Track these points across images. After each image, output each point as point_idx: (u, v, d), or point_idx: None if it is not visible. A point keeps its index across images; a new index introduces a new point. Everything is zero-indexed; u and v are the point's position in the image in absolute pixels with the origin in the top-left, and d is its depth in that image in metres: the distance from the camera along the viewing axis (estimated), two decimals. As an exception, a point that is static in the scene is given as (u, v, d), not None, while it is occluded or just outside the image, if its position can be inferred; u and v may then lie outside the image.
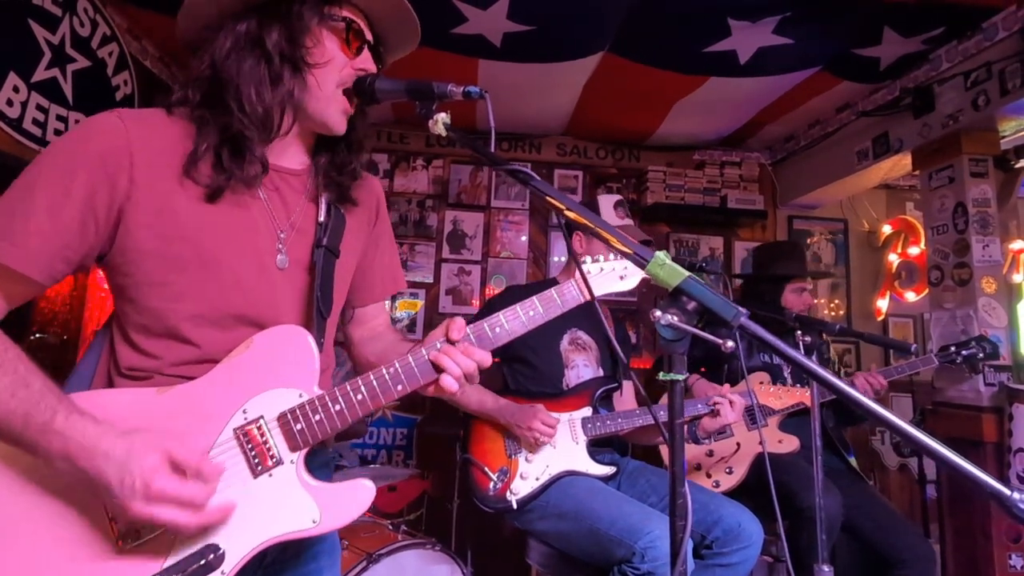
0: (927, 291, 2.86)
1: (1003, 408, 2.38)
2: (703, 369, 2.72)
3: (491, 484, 1.93)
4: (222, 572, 0.88)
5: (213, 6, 1.00)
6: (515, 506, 1.89)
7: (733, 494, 2.10)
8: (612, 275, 1.28)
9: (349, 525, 2.12)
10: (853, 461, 2.50)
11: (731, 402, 1.99)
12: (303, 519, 0.93)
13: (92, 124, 0.92)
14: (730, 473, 2.39)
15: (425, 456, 3.50)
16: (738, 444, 2.41)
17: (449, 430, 2.21)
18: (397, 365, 1.00)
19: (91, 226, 0.90)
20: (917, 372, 2.41)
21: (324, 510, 0.94)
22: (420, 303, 3.70)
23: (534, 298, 1.11)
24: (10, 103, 1.97)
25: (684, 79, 2.92)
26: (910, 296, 3.85)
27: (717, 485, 2.39)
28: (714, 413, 1.99)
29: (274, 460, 0.95)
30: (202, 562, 0.87)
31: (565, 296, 1.13)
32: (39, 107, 2.09)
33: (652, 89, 3.04)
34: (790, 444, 2.34)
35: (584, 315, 2.26)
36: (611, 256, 1.28)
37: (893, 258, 3.96)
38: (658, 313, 0.75)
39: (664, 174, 3.74)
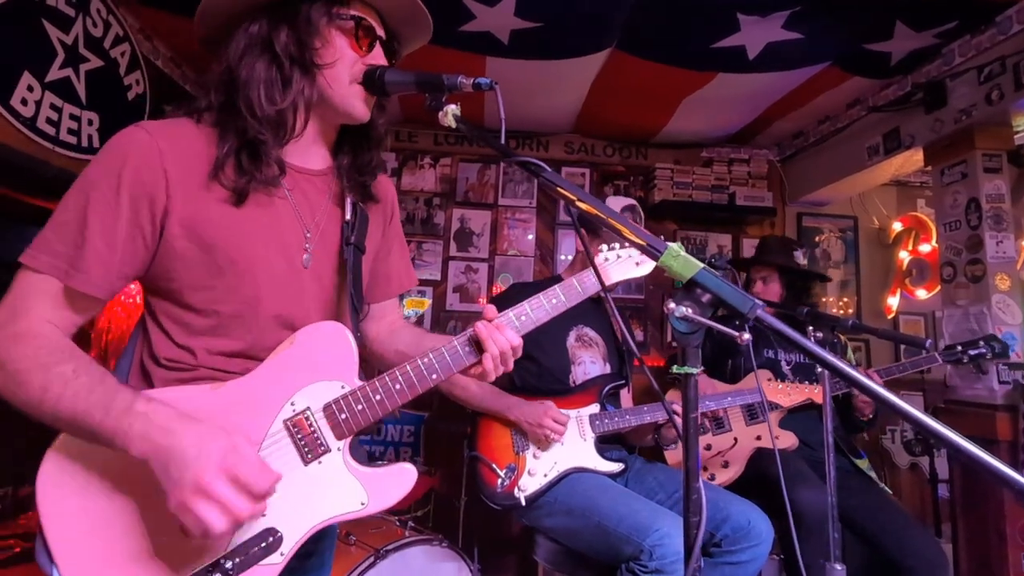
0: (939, 288, 2.83)
1: (1017, 406, 2.36)
2: (703, 371, 2.72)
3: (499, 481, 1.93)
4: (280, 553, 0.95)
5: (225, 7, 1.02)
6: (523, 503, 1.90)
7: (729, 489, 2.09)
8: (628, 262, 1.38)
9: (356, 520, 2.14)
10: (864, 463, 2.46)
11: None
12: (352, 502, 1.01)
13: (124, 143, 0.95)
14: (726, 467, 2.38)
15: (433, 453, 3.50)
16: (735, 439, 2.40)
17: (456, 427, 2.22)
18: (432, 355, 1.07)
19: (139, 241, 0.95)
20: (920, 370, 2.38)
21: (371, 493, 1.02)
22: (427, 301, 3.71)
23: (556, 287, 1.19)
24: (24, 102, 1.99)
25: (692, 75, 2.90)
26: (921, 293, 3.82)
27: (712, 479, 2.38)
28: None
29: (323, 448, 1.01)
30: (263, 544, 0.95)
31: (585, 283, 1.22)
32: (53, 106, 2.11)
33: (660, 86, 3.03)
34: (786, 440, 2.33)
35: (590, 311, 2.26)
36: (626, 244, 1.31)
37: (904, 255, 3.93)
38: (672, 305, 0.74)
39: (672, 171, 3.72)
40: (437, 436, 3.50)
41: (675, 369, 0.76)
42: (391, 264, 1.32)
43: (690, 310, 0.74)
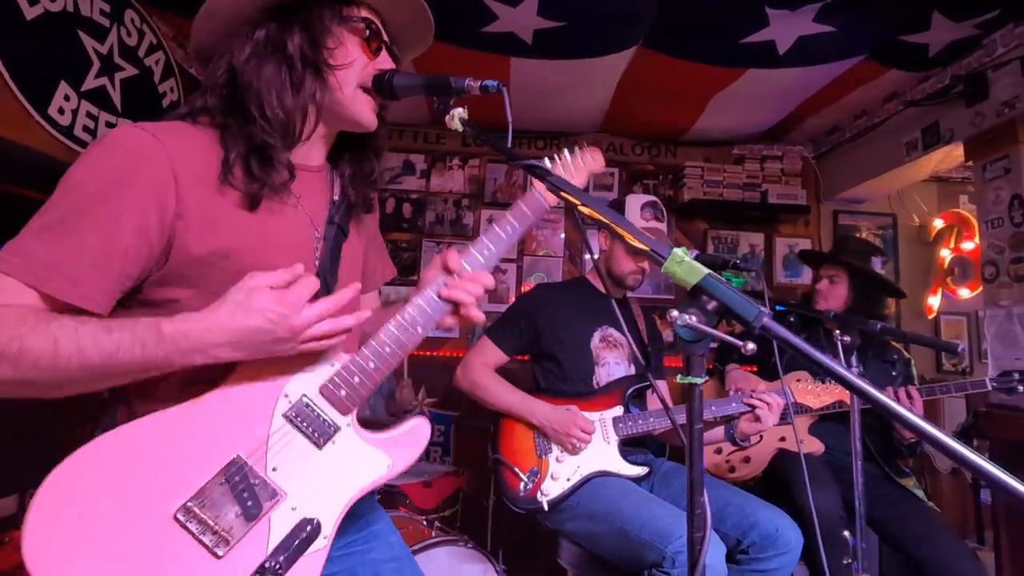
0: (981, 288, 2.71)
1: (1065, 412, 2.24)
2: (756, 368, 2.63)
3: (521, 484, 1.92)
4: (324, 537, 0.96)
5: (231, 10, 1.00)
6: (546, 507, 1.88)
7: (747, 489, 2.03)
8: (565, 175, 1.28)
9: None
10: (911, 482, 2.31)
11: (768, 404, 1.91)
12: (378, 468, 1.03)
13: (126, 144, 0.88)
14: (747, 463, 2.31)
15: (462, 452, 3.52)
16: (760, 436, 2.34)
17: (485, 427, 2.22)
18: (409, 309, 1.04)
19: (144, 250, 0.89)
20: (966, 392, 2.16)
21: (393, 455, 1.04)
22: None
23: (507, 214, 1.15)
24: (61, 111, 2.06)
25: (721, 72, 2.84)
26: (963, 293, 3.67)
27: (732, 471, 2.31)
28: (755, 417, 1.92)
29: (332, 429, 1.00)
30: (303, 536, 0.93)
31: (530, 203, 1.16)
32: (89, 115, 2.18)
33: (688, 83, 2.98)
34: (812, 445, 2.25)
35: (615, 312, 2.22)
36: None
37: (945, 253, 3.78)
38: (675, 313, 0.73)
39: (702, 170, 3.66)
40: (466, 435, 3.52)
41: (679, 378, 0.74)
42: (373, 257, 1.31)
43: (694, 318, 0.73)
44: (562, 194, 0.83)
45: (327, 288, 1.09)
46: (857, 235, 3.80)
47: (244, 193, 0.96)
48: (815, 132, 3.66)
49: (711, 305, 0.73)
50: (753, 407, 1.90)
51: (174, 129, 0.94)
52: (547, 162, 1.26)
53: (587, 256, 3.78)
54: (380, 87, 1.04)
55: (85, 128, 2.16)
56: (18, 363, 0.79)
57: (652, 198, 2.24)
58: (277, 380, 0.98)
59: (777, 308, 2.41)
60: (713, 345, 0.80)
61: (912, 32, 2.47)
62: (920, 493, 2.30)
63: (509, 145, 0.93)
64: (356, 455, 1.02)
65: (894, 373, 2.41)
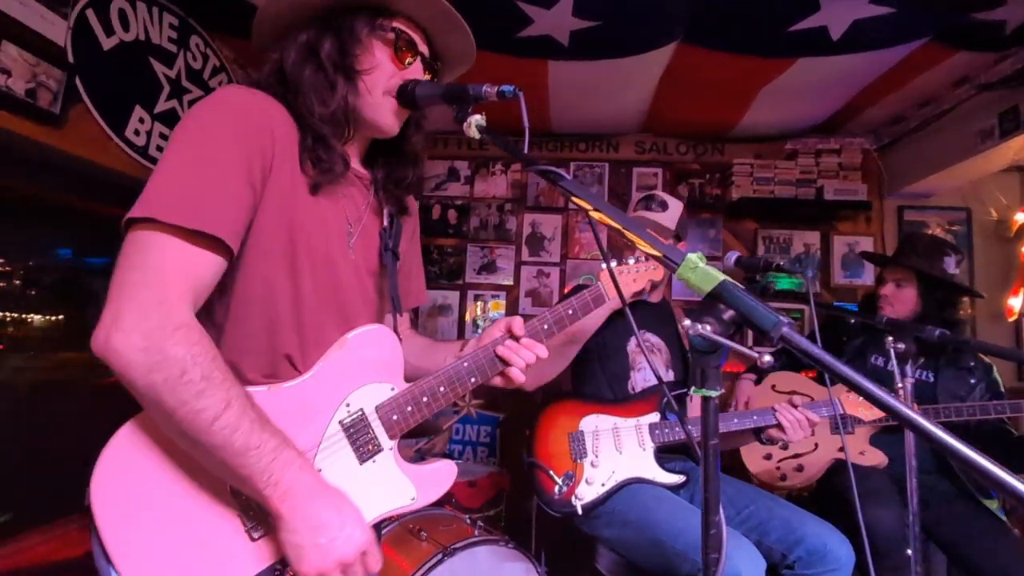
0: (1069, 287, 2.49)
1: None
2: (814, 374, 2.51)
3: (556, 488, 1.90)
4: None
5: (275, 19, 1.08)
6: (580, 512, 1.85)
7: (800, 499, 1.92)
8: (626, 277, 1.54)
9: (430, 517, 2.23)
10: (994, 504, 2.11)
11: (799, 420, 1.81)
12: (404, 497, 1.09)
13: (233, 100, 0.96)
14: (800, 471, 2.19)
15: (507, 454, 3.54)
16: (816, 444, 2.21)
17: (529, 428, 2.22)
18: (470, 360, 1.15)
19: (253, 200, 0.94)
20: None
21: (419, 488, 1.10)
22: (502, 304, 3.76)
23: (572, 300, 1.29)
24: (137, 133, 2.24)
25: (768, 63, 2.71)
26: (1050, 294, 3.38)
27: (783, 479, 2.20)
28: (779, 427, 1.84)
29: (377, 448, 1.08)
30: None
31: (595, 296, 1.34)
32: (162, 135, 2.36)
33: (733, 77, 2.86)
34: (874, 458, 2.10)
35: (653, 316, 2.17)
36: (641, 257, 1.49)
37: (1028, 250, 3.50)
38: (688, 322, 0.70)
39: (751, 167, 3.52)
40: (511, 438, 3.53)
41: (693, 391, 0.72)
42: (411, 279, 1.36)
43: (709, 327, 0.70)
44: (574, 199, 0.82)
45: (398, 309, 1.19)
46: (927, 231, 3.56)
47: (311, 177, 1.03)
48: (876, 123, 3.45)
49: (727, 314, 0.70)
50: (778, 423, 1.84)
51: (270, 101, 1.01)
52: (614, 263, 1.44)
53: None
54: (404, 97, 1.07)
55: (158, 148, 2.34)
56: (191, 400, 0.81)
57: (651, 192, 2.18)
58: (345, 388, 1.06)
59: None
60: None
61: (985, 8, 2.26)
62: (1004, 518, 2.10)
63: (527, 150, 0.93)
64: (388, 479, 1.07)
65: (972, 381, 2.19)
